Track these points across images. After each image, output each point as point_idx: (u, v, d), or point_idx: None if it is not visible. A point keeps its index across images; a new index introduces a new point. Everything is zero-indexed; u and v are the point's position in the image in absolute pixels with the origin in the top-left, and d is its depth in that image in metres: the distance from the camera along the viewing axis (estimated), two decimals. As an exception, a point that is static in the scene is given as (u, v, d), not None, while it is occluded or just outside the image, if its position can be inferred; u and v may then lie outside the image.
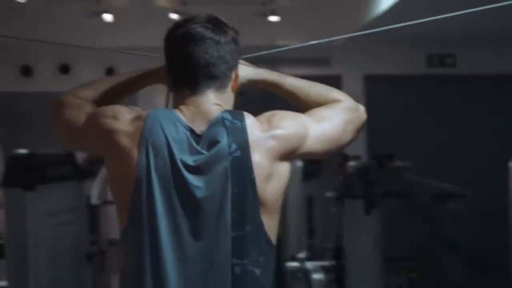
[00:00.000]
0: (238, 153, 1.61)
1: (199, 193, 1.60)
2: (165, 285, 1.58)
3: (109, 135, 1.67)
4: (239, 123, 1.64)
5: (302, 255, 4.38)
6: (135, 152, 1.62)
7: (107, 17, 6.63)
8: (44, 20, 7.09)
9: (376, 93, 7.70)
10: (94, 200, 6.15)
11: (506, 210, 5.82)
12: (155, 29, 7.85)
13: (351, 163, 4.03)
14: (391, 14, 5.50)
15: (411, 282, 5.55)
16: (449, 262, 6.98)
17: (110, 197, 6.74)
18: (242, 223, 1.60)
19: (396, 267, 5.21)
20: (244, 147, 1.61)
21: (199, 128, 1.65)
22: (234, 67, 1.76)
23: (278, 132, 1.67)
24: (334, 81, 7.49)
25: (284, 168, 1.69)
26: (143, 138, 1.61)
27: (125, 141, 1.64)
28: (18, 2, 5.82)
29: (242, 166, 1.61)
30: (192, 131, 1.64)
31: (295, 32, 7.28)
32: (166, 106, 1.85)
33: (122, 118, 1.68)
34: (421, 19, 2.71)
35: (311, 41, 2.20)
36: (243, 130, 1.63)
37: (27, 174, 3.62)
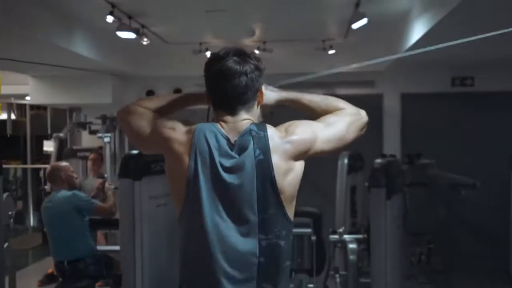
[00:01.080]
0: (261, 156, 1.65)
1: (233, 188, 1.64)
2: (209, 252, 1.64)
3: (167, 142, 1.72)
4: (262, 133, 1.68)
5: (341, 229, 4.38)
6: (186, 158, 1.67)
7: (207, 53, 6.86)
8: (163, 56, 7.41)
9: (410, 107, 7.65)
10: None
11: (507, 198, 5.73)
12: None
13: (378, 160, 4.02)
14: (419, 44, 5.47)
15: (430, 251, 5.52)
16: (461, 236, 6.89)
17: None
18: (266, 208, 1.65)
19: (418, 240, 5.19)
20: (265, 151, 1.65)
21: (233, 138, 1.69)
22: (258, 88, 1.77)
23: (293, 137, 1.70)
24: (377, 99, 7.66)
25: (298, 166, 1.72)
26: (192, 146, 1.66)
27: (179, 148, 1.69)
28: (143, 45, 6.05)
29: (264, 166, 1.65)
30: (228, 140, 1.69)
31: (347, 61, 7.29)
32: (207, 119, 1.89)
33: (178, 129, 1.73)
34: (444, 48, 2.78)
35: (361, 68, 2.34)
36: (265, 139, 1.67)
37: (136, 168, 3.63)
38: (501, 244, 6.04)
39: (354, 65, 2.61)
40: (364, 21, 5.00)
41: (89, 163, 6.44)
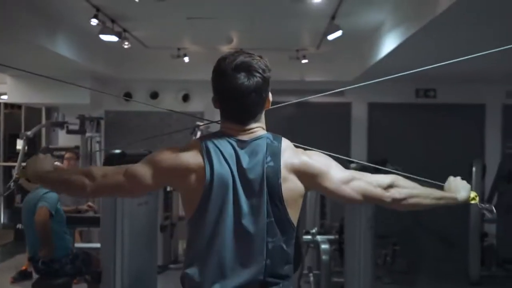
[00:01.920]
0: (271, 163, 1.64)
1: (245, 188, 1.64)
2: (223, 251, 1.63)
3: (177, 162, 1.67)
4: (276, 143, 1.68)
5: (314, 230, 4.44)
6: (202, 164, 1.65)
7: (185, 59, 6.87)
8: (142, 60, 7.37)
9: (376, 116, 7.82)
10: (168, 188, 6.33)
11: (467, 204, 5.86)
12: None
13: (352, 165, 4.10)
14: (389, 58, 5.61)
15: (395, 252, 5.63)
16: (423, 239, 7.06)
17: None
18: (273, 211, 1.64)
19: (384, 242, 5.27)
20: (276, 160, 1.65)
21: (243, 138, 1.69)
22: (266, 98, 1.73)
23: (304, 157, 1.70)
24: (345, 107, 7.77)
25: (299, 185, 1.69)
26: (205, 152, 1.65)
27: (190, 162, 1.66)
28: (123, 48, 6.01)
29: (273, 172, 1.64)
30: (238, 140, 1.68)
31: (319, 70, 7.43)
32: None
33: (177, 149, 1.71)
34: (411, 61, 2.83)
35: (329, 77, 2.34)
36: (278, 148, 1.67)
37: None
38: (461, 248, 6.21)
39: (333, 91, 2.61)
40: (339, 33, 5.10)
41: (65, 162, 6.34)
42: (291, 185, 1.67)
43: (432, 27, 4.32)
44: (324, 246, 4.21)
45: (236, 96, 1.66)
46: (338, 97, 7.62)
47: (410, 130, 7.62)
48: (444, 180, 6.10)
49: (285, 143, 1.71)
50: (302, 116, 7.69)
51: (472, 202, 2.02)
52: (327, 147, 1.94)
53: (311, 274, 4.25)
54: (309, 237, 4.35)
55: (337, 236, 4.36)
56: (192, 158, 1.67)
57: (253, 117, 1.71)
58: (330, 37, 5.24)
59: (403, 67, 2.54)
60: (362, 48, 6.55)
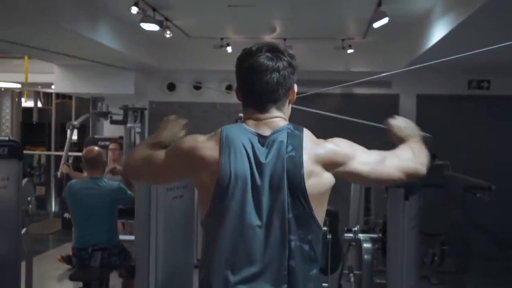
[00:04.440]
0: (293, 153, 1.52)
1: (263, 183, 1.52)
2: (247, 253, 1.51)
3: (195, 153, 1.59)
4: (298, 133, 1.57)
5: (356, 228, 4.19)
6: (217, 158, 1.54)
7: (228, 49, 6.68)
8: (184, 50, 7.25)
9: (426, 109, 7.41)
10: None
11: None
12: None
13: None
14: (439, 46, 5.25)
15: (443, 252, 5.33)
16: (474, 239, 6.67)
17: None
18: (295, 207, 1.51)
19: (432, 241, 5.00)
20: (298, 149, 1.53)
21: (264, 133, 1.58)
22: (291, 86, 1.63)
23: (329, 145, 1.59)
24: (393, 99, 7.43)
25: (326, 176, 1.58)
26: (223, 146, 1.55)
27: (208, 152, 1.57)
28: (166, 38, 5.87)
29: (294, 163, 1.52)
30: (259, 135, 1.57)
31: (365, 60, 7.10)
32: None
33: (200, 138, 1.63)
34: (464, 49, 2.57)
35: (376, 68, 2.13)
36: (299, 138, 1.56)
37: None
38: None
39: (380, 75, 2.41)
40: (385, 20, 4.78)
41: (109, 152, 6.33)
42: (316, 178, 1.55)
43: (484, 12, 3.96)
44: (366, 245, 3.96)
45: (257, 74, 1.58)
46: (385, 88, 7.32)
47: (461, 124, 7.19)
48: (497, 178, 5.72)
49: (307, 133, 1.61)
50: (348, 108, 7.35)
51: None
52: (376, 139, 1.85)
53: (351, 275, 4.00)
54: (351, 235, 4.10)
55: (380, 235, 4.09)
56: (209, 150, 1.58)
57: (274, 101, 1.61)
58: (376, 24, 4.93)
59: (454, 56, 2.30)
60: (410, 37, 6.18)
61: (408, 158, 1.72)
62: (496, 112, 7.16)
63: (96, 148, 4.45)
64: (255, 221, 1.51)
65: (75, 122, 6.92)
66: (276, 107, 1.62)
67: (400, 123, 1.98)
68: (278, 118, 1.62)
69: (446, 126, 7.20)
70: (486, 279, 5.87)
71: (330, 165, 1.57)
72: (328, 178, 1.58)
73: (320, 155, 1.56)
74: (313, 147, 1.56)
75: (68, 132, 6.60)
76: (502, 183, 5.49)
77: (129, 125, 6.22)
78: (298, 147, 1.53)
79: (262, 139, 1.56)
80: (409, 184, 3.43)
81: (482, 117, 7.21)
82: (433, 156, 5.88)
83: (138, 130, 6.30)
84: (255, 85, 1.59)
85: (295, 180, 1.51)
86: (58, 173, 6.14)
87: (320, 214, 1.57)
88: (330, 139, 1.62)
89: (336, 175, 1.60)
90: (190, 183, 4.08)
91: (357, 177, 1.63)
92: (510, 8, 3.91)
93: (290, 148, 1.53)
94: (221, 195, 1.53)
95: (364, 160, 1.61)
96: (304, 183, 1.51)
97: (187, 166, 1.62)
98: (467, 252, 6.43)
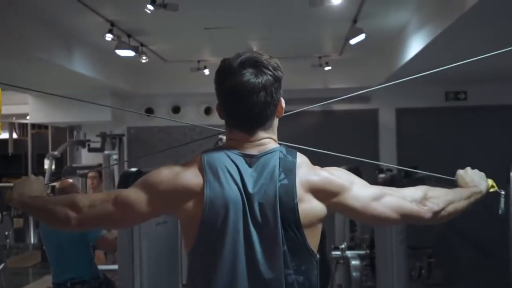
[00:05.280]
0: (285, 181, 1.40)
1: (254, 213, 1.40)
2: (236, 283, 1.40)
3: (178, 189, 1.43)
4: (291, 158, 1.45)
5: (343, 245, 4.18)
6: (201, 186, 1.41)
7: (206, 71, 6.70)
8: (161, 74, 7.25)
9: (405, 122, 7.51)
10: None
11: (505, 210, 5.55)
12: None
13: (381, 175, 3.86)
14: (415, 60, 5.33)
15: (430, 265, 5.37)
16: (460, 249, 6.72)
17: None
18: (289, 238, 1.40)
19: (418, 254, 5.02)
20: (291, 177, 1.41)
21: (252, 152, 1.45)
22: (278, 101, 1.48)
23: (324, 173, 1.46)
24: (372, 114, 7.50)
25: (317, 205, 1.45)
26: (205, 173, 1.41)
27: (189, 181, 1.43)
28: (142, 63, 5.87)
29: (287, 192, 1.39)
30: (245, 155, 1.45)
31: (343, 77, 7.18)
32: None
33: (176, 168, 1.47)
34: (439, 62, 2.61)
35: (354, 83, 2.14)
36: (293, 164, 1.43)
37: None
38: (500, 257, 5.84)
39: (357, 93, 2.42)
40: (362, 36, 4.85)
41: (89, 180, 6.25)
42: (309, 206, 1.43)
43: (460, 25, 4.04)
44: (354, 262, 3.95)
45: (242, 95, 1.42)
46: (364, 103, 7.38)
47: (441, 135, 7.29)
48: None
49: (301, 158, 1.47)
50: (327, 125, 7.43)
51: (492, 190, 1.89)
52: (355, 155, 1.78)
53: (341, 293, 3.99)
54: (338, 252, 4.09)
55: (368, 251, 4.09)
56: (192, 177, 1.43)
57: (262, 123, 1.47)
58: (353, 41, 4.99)
59: (431, 69, 2.32)
60: (386, 52, 6.28)
61: (414, 198, 1.52)
62: (473, 122, 7.30)
63: (71, 180, 4.44)
64: (248, 255, 1.40)
65: (56, 152, 6.87)
66: (264, 128, 1.48)
67: (467, 173, 1.85)
68: (266, 139, 1.48)
69: (426, 139, 7.30)
70: (474, 289, 5.91)
71: (322, 195, 1.45)
72: (319, 208, 1.45)
73: (313, 182, 1.44)
74: (306, 174, 1.44)
75: (47, 162, 6.53)
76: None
77: (106, 152, 6.18)
78: (291, 174, 1.41)
79: (249, 159, 1.44)
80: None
81: (460, 128, 7.33)
82: (414, 168, 5.94)
83: (114, 156, 6.26)
84: (241, 108, 1.44)
85: (289, 210, 1.40)
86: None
87: (313, 243, 1.46)
88: (327, 168, 1.50)
89: (328, 207, 1.46)
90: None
91: (350, 212, 1.49)
92: (484, 21, 4.01)
93: (282, 176, 1.41)
94: (209, 227, 1.40)
95: (359, 194, 1.47)
96: (298, 213, 1.40)
97: (162, 200, 1.46)
98: (454, 263, 6.46)
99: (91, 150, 6.64)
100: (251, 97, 1.42)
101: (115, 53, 5.29)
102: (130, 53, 5.34)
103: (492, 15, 3.90)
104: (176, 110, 7.77)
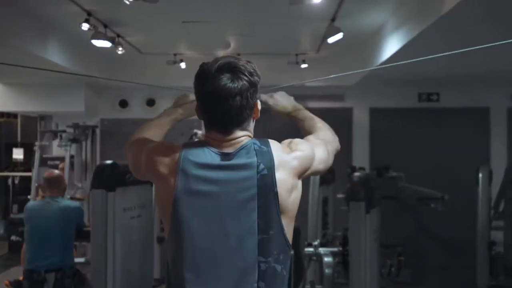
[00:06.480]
0: (265, 172, 1.47)
1: (231, 205, 1.48)
2: (202, 274, 1.47)
3: (152, 165, 1.56)
4: (265, 148, 1.52)
5: (316, 242, 4.24)
6: (172, 177, 1.50)
7: (182, 64, 6.67)
8: (137, 66, 7.18)
9: (379, 121, 7.63)
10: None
11: (474, 209, 5.72)
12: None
13: (356, 174, 3.91)
14: (391, 61, 5.41)
15: (400, 263, 5.46)
16: (429, 249, 6.86)
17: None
18: (267, 228, 1.47)
19: (389, 252, 5.10)
20: (270, 167, 1.48)
21: (227, 151, 1.53)
22: (254, 104, 1.57)
23: (298, 153, 1.55)
24: (347, 112, 7.59)
25: (300, 184, 1.57)
26: (178, 165, 1.50)
27: (163, 169, 1.53)
28: (118, 54, 5.81)
29: (267, 182, 1.47)
30: (222, 153, 1.52)
31: (319, 75, 7.20)
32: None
33: (162, 151, 1.57)
34: (413, 64, 2.65)
35: (329, 81, 2.17)
36: (269, 154, 1.50)
37: (110, 179, 3.44)
38: (468, 257, 5.99)
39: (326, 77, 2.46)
40: (340, 35, 4.90)
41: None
42: (292, 194, 1.53)
43: (436, 27, 4.12)
44: (327, 259, 4.01)
45: (219, 99, 1.51)
46: (339, 102, 7.47)
47: (413, 135, 7.43)
48: (450, 188, 5.94)
49: (275, 146, 1.55)
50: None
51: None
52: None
53: (313, 289, 4.03)
54: (311, 249, 4.14)
55: (340, 248, 4.15)
56: (168, 163, 1.54)
57: (238, 124, 1.55)
58: (331, 40, 5.04)
59: (406, 70, 2.37)
60: (363, 51, 6.35)
61: (332, 138, 1.80)
62: (445, 123, 7.46)
63: (57, 171, 4.53)
64: (222, 243, 1.47)
65: (45, 142, 6.81)
66: (241, 128, 1.56)
67: (276, 100, 2.01)
68: (242, 137, 1.56)
69: (399, 138, 7.43)
70: (440, 288, 6.05)
71: (302, 172, 1.57)
72: (301, 186, 1.57)
73: (296, 167, 1.54)
74: (287, 161, 1.53)
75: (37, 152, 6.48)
76: (453, 192, 5.71)
77: (63, 143, 6.13)
78: (269, 165, 1.49)
79: (225, 157, 1.51)
80: (369, 198, 3.51)
81: (432, 129, 7.48)
82: (386, 168, 6.03)
83: (72, 152, 6.20)
84: (217, 111, 1.53)
85: (268, 200, 1.47)
86: None
87: (289, 233, 1.53)
88: (292, 145, 1.59)
89: (302, 179, 1.59)
90: (147, 203, 4.08)
91: (314, 174, 1.70)
92: (460, 25, 4.09)
93: (261, 167, 1.48)
94: (178, 219, 1.48)
95: (320, 158, 1.64)
96: (278, 201, 1.48)
97: (149, 174, 1.61)
98: (422, 262, 6.60)
99: (60, 145, 6.54)
100: (227, 101, 1.50)
101: (91, 43, 5.23)
102: (106, 43, 5.28)
103: (468, 20, 3.99)
104: (150, 103, 7.72)
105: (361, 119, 7.63)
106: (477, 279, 5.71)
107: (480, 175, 5.73)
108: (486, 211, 5.72)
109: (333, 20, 4.99)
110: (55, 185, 4.19)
